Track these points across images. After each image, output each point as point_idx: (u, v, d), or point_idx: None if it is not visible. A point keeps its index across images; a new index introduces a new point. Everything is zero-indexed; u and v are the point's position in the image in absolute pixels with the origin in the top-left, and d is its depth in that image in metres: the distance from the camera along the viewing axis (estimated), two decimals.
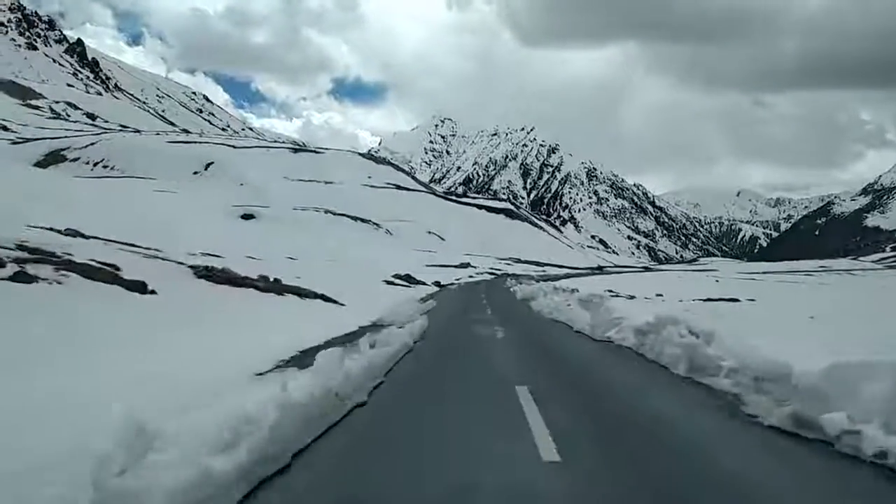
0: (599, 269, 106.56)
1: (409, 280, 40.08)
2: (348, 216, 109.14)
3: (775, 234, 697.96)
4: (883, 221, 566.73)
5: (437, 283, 43.18)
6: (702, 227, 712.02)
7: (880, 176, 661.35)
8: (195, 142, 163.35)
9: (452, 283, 48.55)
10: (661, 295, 30.02)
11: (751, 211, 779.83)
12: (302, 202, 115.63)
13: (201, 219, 74.12)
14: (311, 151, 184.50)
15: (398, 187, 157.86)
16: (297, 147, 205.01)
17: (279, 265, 35.94)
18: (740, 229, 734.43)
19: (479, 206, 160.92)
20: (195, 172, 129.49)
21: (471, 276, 69.32)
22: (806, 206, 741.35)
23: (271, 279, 19.42)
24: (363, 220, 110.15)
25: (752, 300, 27.95)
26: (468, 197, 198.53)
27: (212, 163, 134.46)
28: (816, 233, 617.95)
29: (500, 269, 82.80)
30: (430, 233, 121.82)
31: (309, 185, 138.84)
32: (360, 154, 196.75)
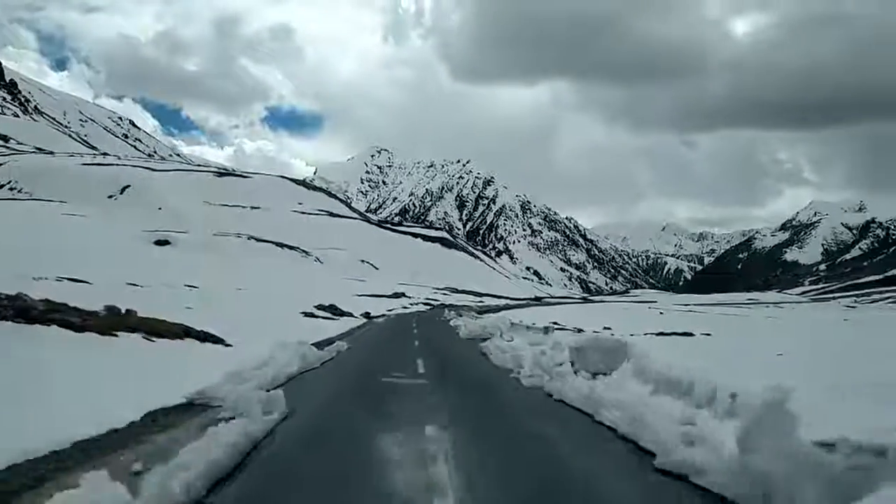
0: (538, 300, 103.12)
1: (334, 311, 34.67)
2: (274, 243, 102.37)
3: (699, 268, 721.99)
4: (801, 256, 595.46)
5: (367, 315, 37.87)
6: (630, 259, 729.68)
7: (798, 213, 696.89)
8: (112, 164, 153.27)
9: (383, 315, 43.33)
10: (609, 328, 27.10)
11: (676, 245, 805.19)
12: (224, 228, 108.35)
13: (107, 244, 67.22)
14: (238, 176, 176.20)
15: (331, 214, 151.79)
16: (222, 171, 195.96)
17: (171, 295, 30.05)
18: (666, 262, 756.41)
19: (415, 235, 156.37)
20: (110, 196, 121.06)
21: (405, 307, 64.22)
22: (728, 241, 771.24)
23: (123, 311, 13.82)
24: (290, 248, 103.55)
25: (708, 334, 25.11)
26: (404, 225, 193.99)
27: (128, 186, 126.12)
28: (738, 266, 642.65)
29: (436, 300, 77.99)
30: (363, 261, 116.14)
31: (233, 211, 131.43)
32: (290, 179, 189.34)
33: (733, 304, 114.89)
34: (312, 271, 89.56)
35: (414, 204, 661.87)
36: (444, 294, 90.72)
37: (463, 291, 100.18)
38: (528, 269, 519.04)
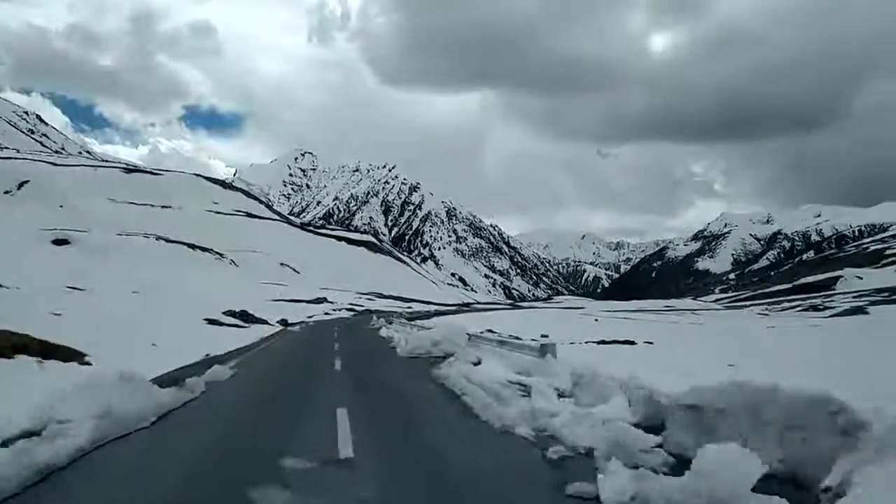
0: (467, 306, 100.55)
1: (245, 318, 30.57)
2: (186, 244, 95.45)
3: (616, 275, 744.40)
4: (712, 265, 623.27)
5: (283, 322, 33.88)
6: (551, 267, 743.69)
7: (709, 224, 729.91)
8: (9, 157, 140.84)
9: (302, 322, 39.36)
10: (546, 335, 24.54)
11: (594, 253, 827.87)
12: (131, 227, 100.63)
13: None
14: (148, 173, 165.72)
15: (249, 215, 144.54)
16: (131, 168, 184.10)
17: (43, 299, 25.33)
18: (585, 270, 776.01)
19: (340, 239, 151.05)
20: (6, 192, 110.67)
21: (327, 313, 60.11)
22: (643, 250, 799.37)
23: None
24: (203, 249, 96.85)
25: (650, 342, 22.91)
26: (328, 228, 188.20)
27: (27, 181, 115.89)
28: (653, 274, 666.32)
29: (361, 305, 74.02)
30: (283, 265, 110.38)
31: (142, 209, 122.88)
32: (206, 178, 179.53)
33: (654, 311, 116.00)
34: (226, 275, 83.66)
35: (338, 208, 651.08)
36: (370, 299, 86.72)
37: (390, 297, 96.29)
38: (453, 275, 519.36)
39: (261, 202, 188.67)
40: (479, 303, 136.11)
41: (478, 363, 13.50)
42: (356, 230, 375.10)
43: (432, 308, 76.45)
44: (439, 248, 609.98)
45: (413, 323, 29.77)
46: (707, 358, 18.71)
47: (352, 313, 65.04)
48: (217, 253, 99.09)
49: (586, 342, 21.08)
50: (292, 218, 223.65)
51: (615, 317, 60.48)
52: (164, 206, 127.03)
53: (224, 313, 29.80)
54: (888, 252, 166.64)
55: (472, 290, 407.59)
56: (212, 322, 26.86)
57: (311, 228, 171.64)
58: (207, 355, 16.84)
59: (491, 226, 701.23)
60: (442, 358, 14.67)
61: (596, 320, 48.83)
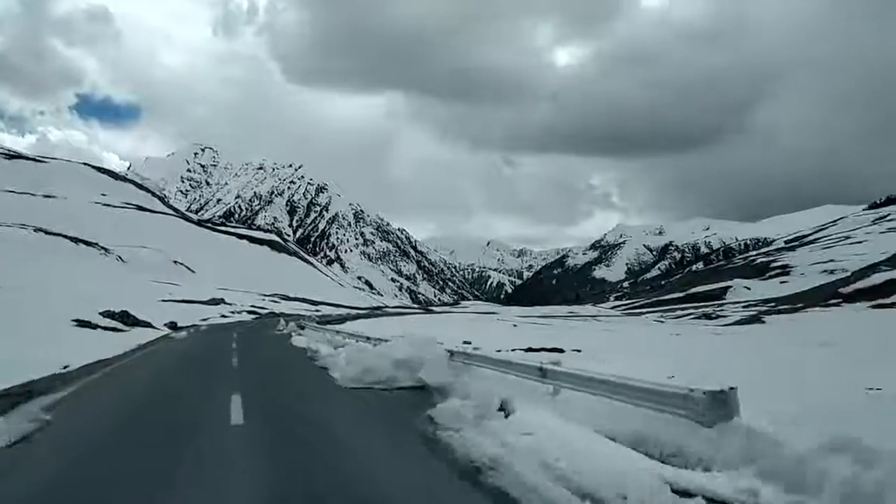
0: (379, 310, 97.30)
1: (126, 320, 26.54)
2: (68, 237, 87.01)
3: (518, 282, 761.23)
4: (607, 273, 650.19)
5: (172, 325, 29.94)
6: (457, 272, 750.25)
7: (605, 234, 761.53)
8: None
9: (193, 326, 35.34)
10: (469, 342, 22.56)
11: (498, 260, 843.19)
12: (6, 217, 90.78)
13: None
14: (31, 160, 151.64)
15: (140, 208, 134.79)
16: (12, 154, 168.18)
17: None
18: (489, 276, 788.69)
19: (241, 237, 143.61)
20: None
21: (224, 316, 55.62)
22: (545, 258, 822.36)
23: None
24: (87, 243, 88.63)
25: (578, 350, 21.14)
26: (228, 225, 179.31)
27: None
28: (554, 281, 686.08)
29: (264, 307, 69.50)
30: (177, 262, 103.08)
31: (20, 198, 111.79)
32: (94, 167, 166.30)
33: (560, 316, 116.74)
34: (112, 271, 76.63)
35: (240, 207, 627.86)
36: (274, 301, 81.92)
37: (295, 299, 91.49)
38: (359, 278, 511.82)
39: (154, 195, 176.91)
40: (388, 307, 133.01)
41: (507, 414, 7.50)
42: (259, 229, 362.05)
43: (343, 312, 72.91)
44: (346, 251, 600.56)
45: (327, 328, 26.68)
46: (645, 368, 16.92)
47: (254, 317, 60.62)
48: (103, 248, 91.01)
49: (512, 350, 19.06)
50: (189, 214, 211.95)
51: (530, 322, 59.48)
52: (46, 196, 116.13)
53: (102, 314, 25.74)
54: (773, 265, 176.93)
55: (378, 293, 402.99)
56: (83, 324, 22.87)
57: (210, 225, 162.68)
58: (66, 367, 13.43)
59: (399, 230, 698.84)
60: (417, 391, 9.98)
61: (514, 326, 47.35)
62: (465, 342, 22.08)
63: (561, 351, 19.63)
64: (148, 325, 28.11)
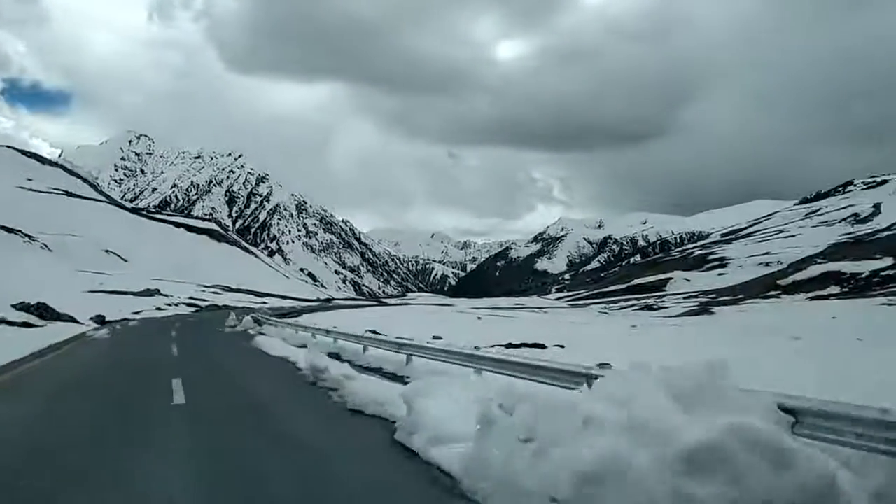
0: (329, 302, 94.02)
1: (44, 313, 23.53)
2: None
3: (462, 274, 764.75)
4: (549, 265, 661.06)
5: (100, 319, 26.99)
6: (402, 264, 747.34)
7: (547, 227, 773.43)
8: None
9: (125, 321, 32.29)
10: (439, 337, 20.84)
11: (442, 252, 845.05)
12: None
13: None
14: None
15: (69, 194, 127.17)
16: None
17: None
18: (434, 268, 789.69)
19: (178, 225, 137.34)
20: None
21: (160, 308, 52.08)
22: (488, 250, 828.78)
23: None
24: (9, 230, 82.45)
25: (561, 346, 19.56)
26: (165, 213, 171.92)
27: None
28: (497, 273, 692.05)
29: (204, 300, 65.78)
30: (108, 251, 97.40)
31: None
32: (19, 150, 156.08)
33: (507, 308, 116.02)
34: (36, 260, 71.33)
35: (177, 196, 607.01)
36: (215, 293, 77.85)
37: (239, 290, 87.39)
38: (302, 270, 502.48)
39: (84, 180, 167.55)
40: (338, 299, 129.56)
41: None
42: (198, 219, 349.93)
43: (293, 304, 69.58)
44: (288, 243, 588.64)
45: (289, 322, 24.12)
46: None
47: (193, 309, 57.04)
48: (26, 235, 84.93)
49: (493, 346, 17.25)
50: (122, 201, 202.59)
51: (493, 314, 57.80)
52: None
53: (14, 306, 22.67)
54: (710, 257, 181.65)
55: (322, 286, 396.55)
56: None
57: (145, 213, 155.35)
58: None
59: (343, 221, 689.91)
60: None
61: (479, 318, 45.57)
62: (434, 337, 20.22)
63: (543, 346, 18.12)
64: (71, 319, 25.12)
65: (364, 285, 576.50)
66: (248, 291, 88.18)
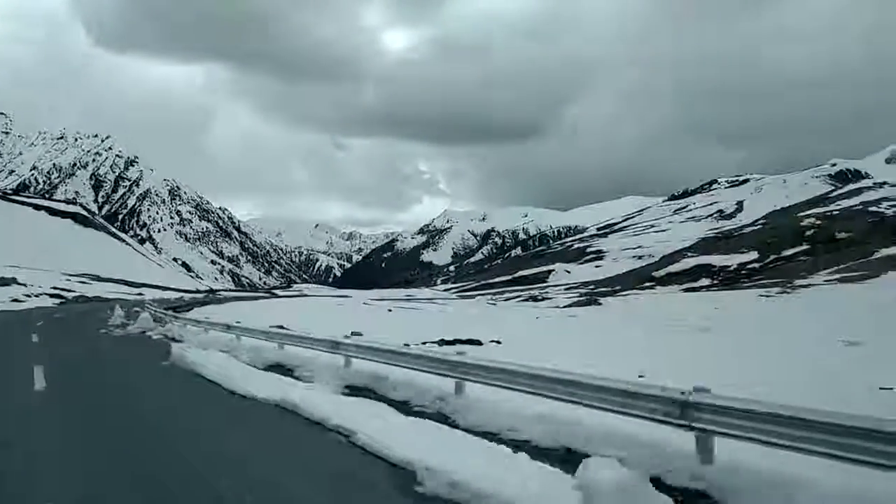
0: (213, 293, 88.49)
1: None
2: None
3: (348, 265, 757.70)
4: (435, 257, 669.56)
5: None
6: (284, 255, 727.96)
7: (433, 219, 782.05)
8: None
9: None
10: (359, 333, 19.53)
11: (327, 242, 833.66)
12: None
13: None
14: None
15: None
16: None
17: None
18: (318, 259, 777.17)
19: (38, 208, 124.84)
20: None
21: (16, 300, 46.80)
22: (374, 242, 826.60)
23: None
24: None
25: (498, 342, 18.81)
26: (22, 195, 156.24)
27: None
28: (383, 265, 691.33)
29: (71, 290, 59.84)
30: None
31: None
32: None
33: (395, 299, 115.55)
34: None
35: (37, 179, 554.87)
36: (83, 282, 71.08)
37: (110, 280, 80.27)
38: (175, 259, 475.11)
39: None
40: (218, 291, 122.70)
41: None
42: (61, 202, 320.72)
43: (182, 296, 64.51)
44: (160, 230, 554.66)
45: (195, 319, 20.41)
46: (587, 359, 13.78)
47: (59, 301, 51.62)
48: None
49: (424, 343, 16.31)
50: None
51: (401, 307, 56.30)
52: None
53: None
54: (589, 250, 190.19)
55: (197, 276, 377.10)
56: None
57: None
58: None
59: (220, 209, 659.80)
60: None
61: (389, 310, 44.11)
62: (353, 333, 18.85)
63: (479, 343, 17.36)
64: None
65: (244, 276, 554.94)
66: (120, 281, 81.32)
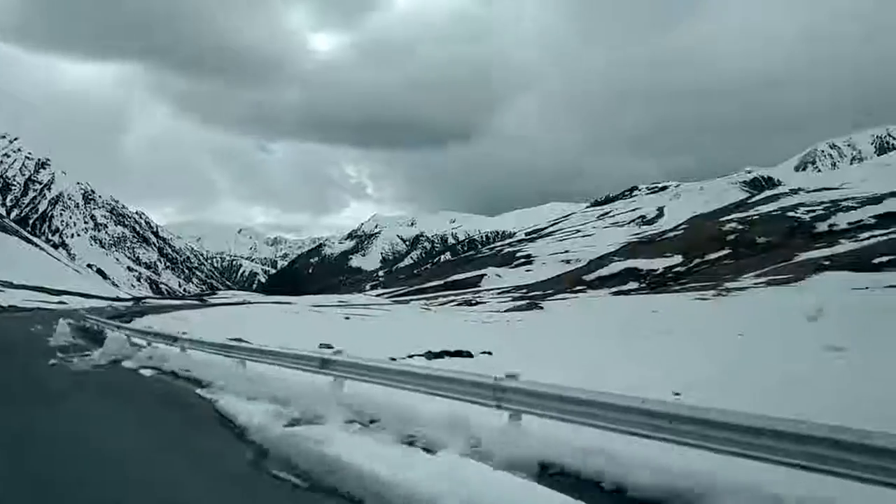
0: (141, 301, 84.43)
1: None
2: None
3: (273, 271, 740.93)
4: (364, 262, 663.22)
5: None
6: (205, 261, 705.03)
7: (362, 224, 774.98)
8: None
9: None
10: (329, 345, 18.65)
11: (251, 248, 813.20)
12: None
13: None
14: None
15: None
16: None
17: None
18: (241, 265, 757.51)
19: None
20: None
21: None
22: (300, 247, 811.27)
23: None
24: None
25: (489, 353, 18.60)
26: None
27: None
28: (310, 270, 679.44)
29: None
30: None
31: None
32: None
33: (330, 305, 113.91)
34: None
35: None
36: None
37: (24, 287, 75.14)
38: (89, 266, 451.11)
39: None
40: (145, 299, 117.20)
41: None
42: None
43: (110, 304, 60.92)
44: (73, 236, 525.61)
45: (137, 329, 17.48)
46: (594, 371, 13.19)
47: None
48: None
49: (411, 356, 15.85)
50: None
51: (355, 314, 54.86)
52: None
53: None
54: (518, 255, 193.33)
55: (113, 283, 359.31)
56: None
57: None
58: None
59: (137, 213, 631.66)
60: None
61: (347, 318, 43.16)
62: (322, 345, 17.68)
63: (469, 355, 17.12)
64: None
65: (162, 283, 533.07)
66: (38, 288, 76.32)
